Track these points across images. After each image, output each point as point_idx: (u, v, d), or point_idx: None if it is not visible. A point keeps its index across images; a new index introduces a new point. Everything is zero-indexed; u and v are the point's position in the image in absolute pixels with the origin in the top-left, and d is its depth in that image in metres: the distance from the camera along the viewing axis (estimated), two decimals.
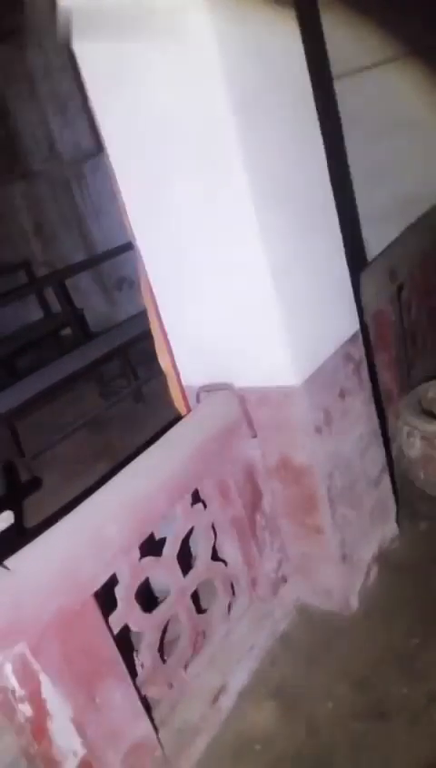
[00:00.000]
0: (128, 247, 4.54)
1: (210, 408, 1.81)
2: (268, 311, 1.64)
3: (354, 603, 1.96)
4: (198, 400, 1.87)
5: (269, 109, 1.55)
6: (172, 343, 1.94)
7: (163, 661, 1.64)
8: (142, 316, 4.34)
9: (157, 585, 1.88)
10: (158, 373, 3.93)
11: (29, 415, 3.58)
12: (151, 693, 1.60)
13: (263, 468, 1.86)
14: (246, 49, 1.47)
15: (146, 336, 3.97)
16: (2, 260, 5.68)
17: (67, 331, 4.99)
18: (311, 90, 1.70)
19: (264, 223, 1.55)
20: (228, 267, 1.65)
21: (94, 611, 1.35)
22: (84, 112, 4.66)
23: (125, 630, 1.52)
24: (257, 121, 1.51)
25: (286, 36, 1.62)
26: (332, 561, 1.90)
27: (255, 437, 1.82)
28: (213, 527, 1.81)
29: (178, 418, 2.02)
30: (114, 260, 4.79)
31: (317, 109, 1.73)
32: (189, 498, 1.70)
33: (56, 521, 1.43)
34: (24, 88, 4.77)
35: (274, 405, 1.76)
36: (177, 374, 1.98)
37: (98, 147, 4.70)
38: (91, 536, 1.37)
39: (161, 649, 1.63)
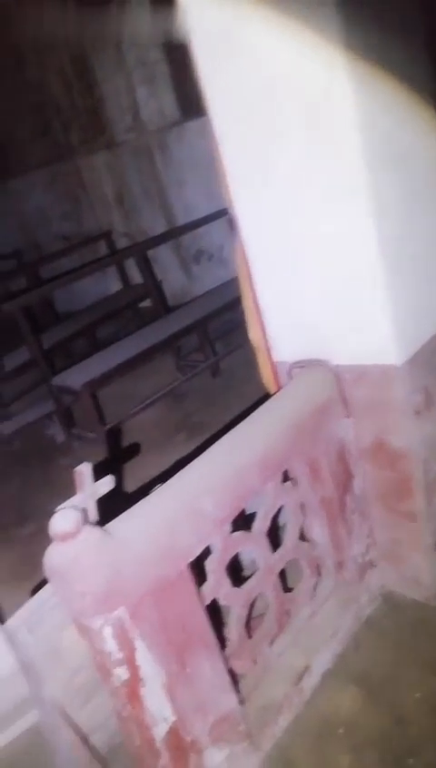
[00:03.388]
0: (209, 219, 4.50)
1: (304, 384, 1.75)
2: (374, 285, 1.56)
3: None
4: (290, 376, 1.82)
5: (386, 68, 1.45)
6: (264, 316, 1.89)
7: (249, 637, 1.63)
8: (220, 290, 4.33)
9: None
10: (236, 348, 3.94)
11: (107, 385, 3.64)
12: (236, 667, 1.59)
13: (356, 450, 1.80)
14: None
15: (225, 310, 3.99)
16: (84, 231, 5.77)
17: (145, 303, 5.02)
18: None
19: (376, 191, 1.46)
20: (333, 237, 1.58)
21: (189, 581, 1.35)
22: (171, 80, 4.61)
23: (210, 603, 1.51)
24: (374, 81, 1.42)
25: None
26: (424, 549, 1.82)
27: (349, 417, 1.76)
28: (302, 507, 1.77)
29: (267, 393, 1.98)
30: (193, 232, 4.76)
31: None
32: (280, 476, 1.66)
33: (150, 488, 1.43)
34: (111, 57, 4.76)
35: (372, 384, 1.69)
36: (268, 349, 1.94)
37: (182, 116, 4.66)
38: (188, 507, 1.36)
39: (248, 625, 1.62)
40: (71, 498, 1.28)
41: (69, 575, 1.17)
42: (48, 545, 1.20)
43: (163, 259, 5.26)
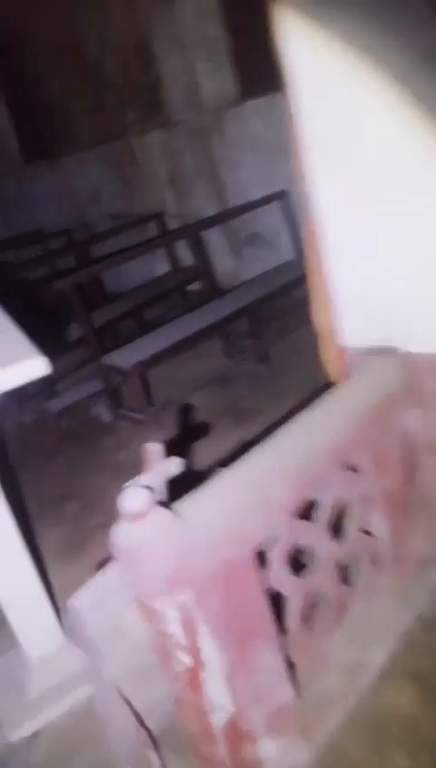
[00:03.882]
0: (263, 201, 4.41)
1: (373, 372, 1.69)
2: None
3: None
4: (359, 363, 1.75)
5: None
6: (334, 301, 1.82)
7: (306, 629, 1.59)
8: (272, 274, 4.26)
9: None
10: (286, 335, 3.87)
11: (156, 366, 3.61)
12: (294, 658, 1.55)
13: (424, 442, 1.73)
14: None
15: (277, 295, 3.91)
16: (135, 211, 5.73)
17: (193, 286, 4.96)
18: None
19: None
20: (419, 215, 1.50)
21: (254, 568, 1.31)
22: (231, 58, 4.51)
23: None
24: None
25: None
26: None
27: (420, 407, 1.69)
28: (365, 499, 1.71)
29: (327, 381, 1.93)
30: (246, 215, 4.66)
31: None
32: (345, 466, 1.61)
33: (213, 471, 1.40)
34: (170, 34, 4.67)
35: None
36: (335, 335, 1.87)
37: (242, 95, 4.55)
38: (256, 492, 1.32)
39: (305, 616, 1.58)
40: (138, 477, 1.25)
41: (137, 555, 1.14)
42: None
43: (214, 241, 5.18)
